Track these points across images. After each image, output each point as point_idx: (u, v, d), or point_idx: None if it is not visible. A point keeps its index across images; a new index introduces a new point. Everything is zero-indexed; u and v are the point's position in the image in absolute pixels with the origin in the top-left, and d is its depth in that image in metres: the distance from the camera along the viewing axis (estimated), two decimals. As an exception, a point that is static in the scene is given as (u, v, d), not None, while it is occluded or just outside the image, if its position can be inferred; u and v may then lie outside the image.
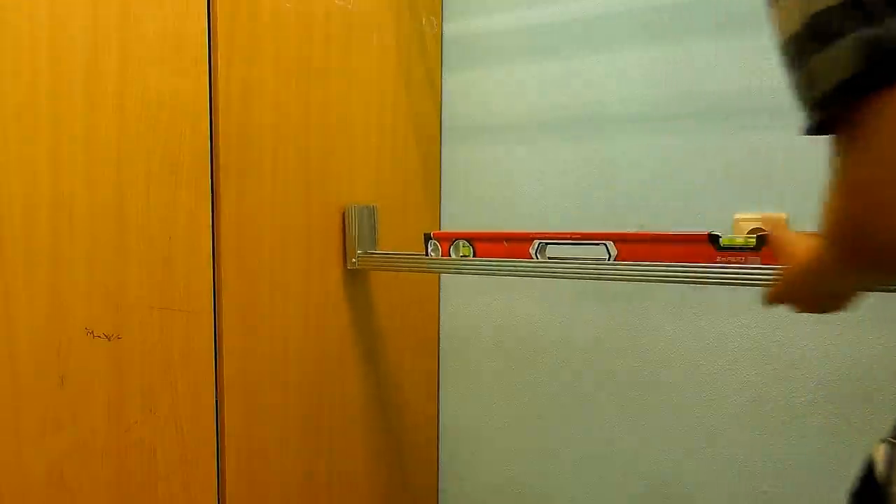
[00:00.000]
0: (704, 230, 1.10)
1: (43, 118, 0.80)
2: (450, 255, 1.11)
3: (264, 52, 1.05)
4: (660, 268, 0.93)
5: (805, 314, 1.13)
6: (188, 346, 0.97)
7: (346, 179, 1.22)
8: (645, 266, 0.94)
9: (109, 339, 0.88)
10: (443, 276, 1.49)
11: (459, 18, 1.43)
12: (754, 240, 0.88)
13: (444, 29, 1.45)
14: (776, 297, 0.71)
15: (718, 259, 0.90)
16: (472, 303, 1.46)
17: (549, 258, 1.03)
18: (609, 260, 0.97)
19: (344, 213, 1.21)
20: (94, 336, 0.86)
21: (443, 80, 1.46)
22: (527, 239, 1.04)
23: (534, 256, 1.03)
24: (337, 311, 1.22)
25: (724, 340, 1.20)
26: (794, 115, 1.14)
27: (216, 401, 1.02)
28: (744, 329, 1.18)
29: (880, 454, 0.56)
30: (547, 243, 1.03)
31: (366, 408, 1.30)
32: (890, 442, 0.56)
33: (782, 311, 1.15)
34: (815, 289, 0.63)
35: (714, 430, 1.22)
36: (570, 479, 1.37)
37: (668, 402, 1.26)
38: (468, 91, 1.43)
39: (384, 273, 1.31)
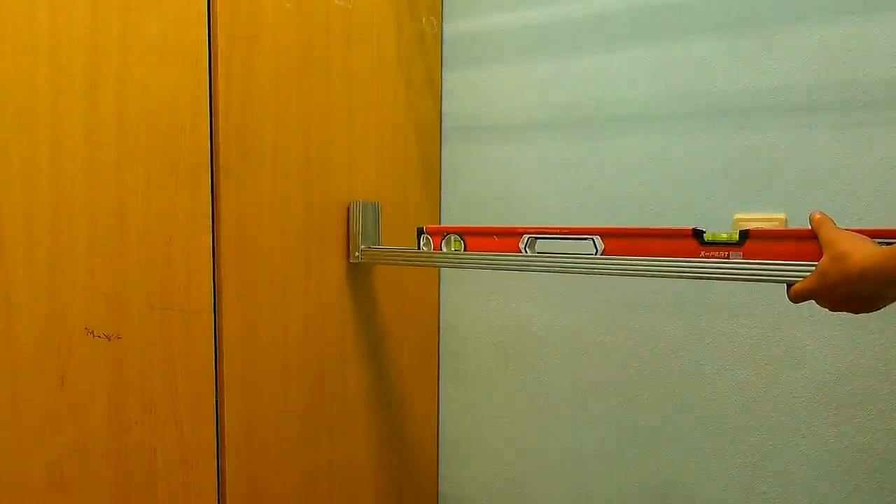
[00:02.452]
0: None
1: (43, 118, 0.80)
2: (441, 249, 1.13)
3: (264, 52, 1.05)
4: (645, 262, 0.94)
5: (804, 312, 1.13)
6: (188, 346, 0.97)
7: (347, 179, 1.22)
8: (630, 260, 0.95)
9: (109, 339, 0.88)
10: (442, 273, 1.49)
11: (459, 18, 1.43)
12: (737, 235, 0.90)
13: (444, 29, 1.45)
14: (811, 292, 0.74)
15: (702, 254, 0.92)
16: (471, 302, 1.46)
17: (539, 253, 1.05)
18: (596, 254, 0.99)
19: (348, 208, 1.22)
20: (94, 336, 0.86)
21: (443, 80, 1.46)
22: (516, 234, 1.06)
23: (523, 251, 1.05)
24: (339, 305, 1.22)
25: (724, 340, 1.20)
26: (794, 115, 1.15)
27: (216, 401, 1.02)
28: (744, 329, 1.18)
29: None
30: (536, 238, 1.05)
31: (366, 407, 1.30)
32: None
33: (782, 312, 1.15)
34: (883, 292, 0.65)
35: (714, 430, 1.22)
36: (571, 479, 1.37)
37: (669, 402, 1.25)
38: (468, 91, 1.43)
39: (386, 270, 1.32)
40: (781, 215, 1.14)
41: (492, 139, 1.41)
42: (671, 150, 1.23)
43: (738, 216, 1.17)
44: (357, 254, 1.21)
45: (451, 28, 1.44)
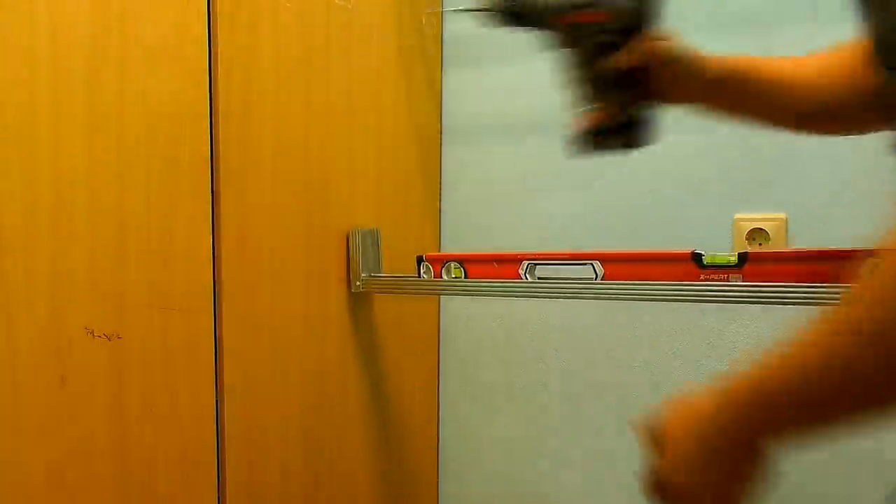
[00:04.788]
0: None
1: (43, 119, 0.80)
2: (441, 277, 1.14)
3: (264, 53, 1.05)
4: (645, 287, 0.95)
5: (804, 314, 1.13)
6: (188, 346, 0.97)
7: (346, 179, 1.22)
8: (631, 285, 0.96)
9: (109, 339, 0.88)
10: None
11: (459, 18, 1.43)
12: (736, 257, 0.90)
13: (444, 29, 1.45)
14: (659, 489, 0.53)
15: (702, 277, 0.92)
16: (471, 304, 1.45)
17: (539, 278, 1.06)
18: (596, 279, 1.00)
19: (347, 237, 1.21)
20: (94, 336, 0.86)
21: (443, 80, 1.46)
22: (516, 260, 1.06)
23: (523, 277, 1.06)
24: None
25: (725, 340, 1.20)
26: (794, 115, 1.14)
27: (216, 401, 1.02)
28: (744, 329, 1.18)
29: None
30: (536, 264, 1.05)
31: (366, 407, 1.30)
32: None
33: (781, 313, 1.15)
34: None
35: (714, 430, 1.22)
36: (571, 480, 1.37)
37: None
38: (468, 91, 1.43)
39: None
40: (781, 215, 1.14)
41: (492, 139, 1.41)
42: (671, 149, 1.23)
43: (738, 216, 1.17)
44: (358, 283, 1.21)
45: (451, 28, 1.44)
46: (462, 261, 1.12)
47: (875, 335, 0.34)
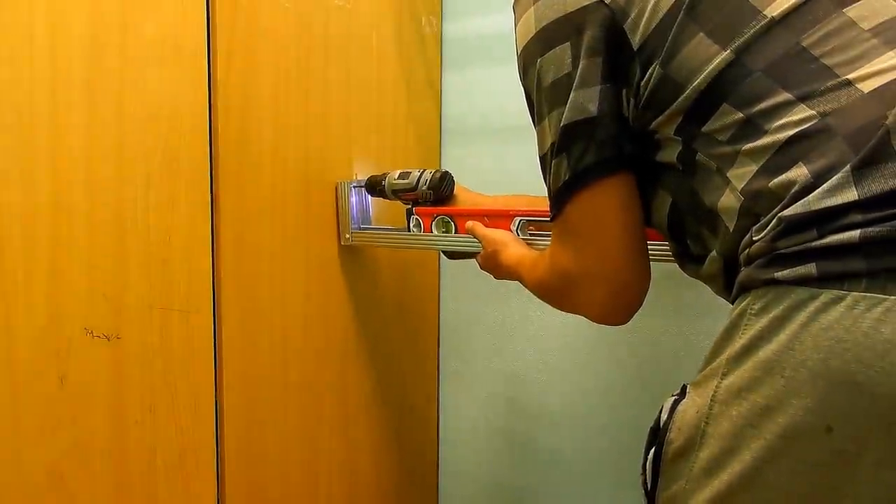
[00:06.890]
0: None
1: (43, 119, 0.80)
2: (431, 231, 1.12)
3: (264, 53, 1.05)
4: None
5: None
6: (188, 346, 0.97)
7: (346, 179, 1.22)
8: None
9: (109, 340, 0.88)
10: (442, 272, 1.49)
11: (459, 18, 1.43)
12: None
13: (444, 29, 1.45)
14: (482, 267, 1.06)
15: None
16: (471, 302, 1.46)
17: (531, 234, 1.03)
18: None
19: (336, 188, 1.19)
20: (94, 336, 0.86)
21: (442, 81, 1.46)
22: (507, 216, 1.04)
23: (515, 233, 1.03)
24: (337, 301, 1.22)
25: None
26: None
27: (216, 401, 1.02)
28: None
29: (666, 405, 0.67)
30: (528, 220, 1.03)
31: (366, 406, 1.30)
32: (674, 397, 0.67)
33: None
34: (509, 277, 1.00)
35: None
36: (570, 479, 1.37)
37: (668, 402, 1.25)
38: (468, 91, 1.43)
39: (383, 265, 1.31)
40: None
41: (492, 140, 1.41)
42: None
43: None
44: (347, 236, 1.19)
45: (451, 28, 1.44)
46: (452, 215, 1.11)
47: (531, 285, 0.90)
